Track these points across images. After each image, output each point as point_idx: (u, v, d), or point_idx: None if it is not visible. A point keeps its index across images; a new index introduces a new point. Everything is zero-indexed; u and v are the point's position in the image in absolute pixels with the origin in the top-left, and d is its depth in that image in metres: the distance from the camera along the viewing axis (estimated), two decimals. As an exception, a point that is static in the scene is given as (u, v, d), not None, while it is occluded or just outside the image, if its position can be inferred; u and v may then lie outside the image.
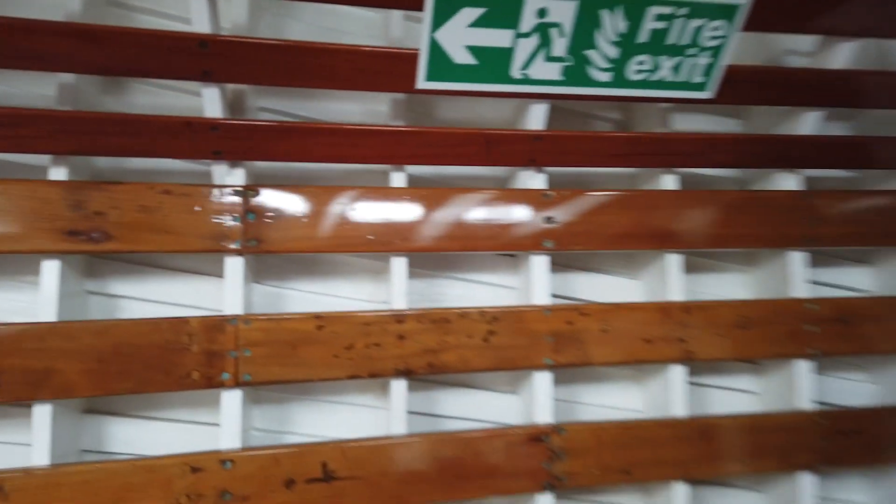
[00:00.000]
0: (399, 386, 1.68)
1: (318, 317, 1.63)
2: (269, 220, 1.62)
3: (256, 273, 1.74)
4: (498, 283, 1.90)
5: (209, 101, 1.52)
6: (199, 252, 1.59)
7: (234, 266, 1.61)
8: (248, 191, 1.62)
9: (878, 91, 1.91)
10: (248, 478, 1.55)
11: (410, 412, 1.70)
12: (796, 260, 1.95)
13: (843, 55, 1.80)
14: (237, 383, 1.56)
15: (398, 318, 1.67)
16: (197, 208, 1.57)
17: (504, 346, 1.72)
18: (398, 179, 1.76)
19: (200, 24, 1.42)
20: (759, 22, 1.63)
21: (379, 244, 1.69)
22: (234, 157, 1.60)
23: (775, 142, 1.95)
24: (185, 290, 1.73)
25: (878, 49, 2.06)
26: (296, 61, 1.50)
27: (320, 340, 1.62)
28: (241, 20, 1.71)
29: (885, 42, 2.05)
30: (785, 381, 1.94)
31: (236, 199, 1.60)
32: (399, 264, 1.71)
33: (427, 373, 1.68)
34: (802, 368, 1.91)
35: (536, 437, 1.73)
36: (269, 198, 1.62)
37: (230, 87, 1.66)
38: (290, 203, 1.63)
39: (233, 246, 1.59)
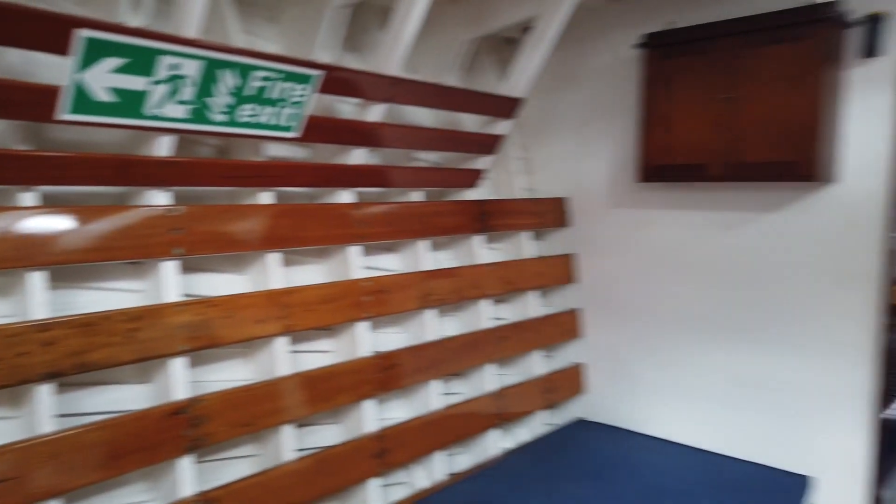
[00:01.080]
0: (45, 389, 1.83)
1: (-43, 334, 1.66)
2: None
3: None
4: (131, 288, 2.17)
5: None
6: None
7: None
8: None
9: (391, 136, 2.85)
10: None
11: (56, 416, 1.86)
12: (353, 252, 2.74)
13: (375, 113, 2.66)
14: None
15: (43, 327, 1.82)
16: None
17: (147, 339, 2.03)
18: (28, 199, 1.87)
19: None
20: (328, 88, 2.33)
21: (16, 260, 1.80)
22: None
23: (337, 169, 2.71)
24: None
25: (392, 112, 3.00)
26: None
27: (-37, 357, 1.66)
28: None
29: (400, 107, 3.00)
30: (351, 339, 2.73)
31: None
32: (37, 278, 1.85)
33: (77, 372, 1.87)
34: (362, 328, 2.72)
35: (177, 410, 2.10)
36: None
37: None
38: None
39: None
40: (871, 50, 2.59)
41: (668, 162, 3.04)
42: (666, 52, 2.99)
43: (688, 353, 3.30)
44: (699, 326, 3.25)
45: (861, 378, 2.78)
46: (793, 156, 2.65)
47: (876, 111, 2.65)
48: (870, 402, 2.78)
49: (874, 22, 2.56)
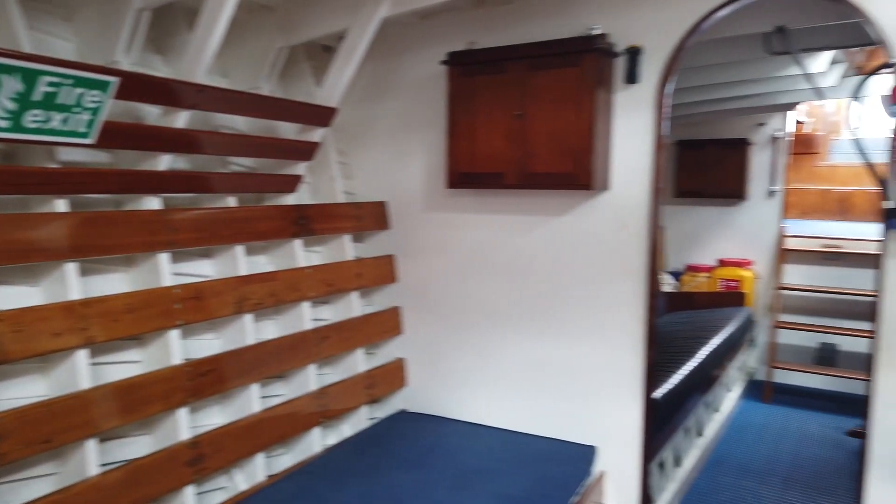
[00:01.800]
0: None
1: None
2: None
3: None
4: None
5: None
6: None
7: None
8: None
9: (201, 142, 2.86)
10: None
11: None
12: (162, 259, 2.71)
13: (181, 119, 2.65)
14: None
15: None
16: None
17: (-82, 359, 1.89)
18: None
19: None
20: (127, 94, 2.30)
21: None
22: None
23: (142, 175, 2.66)
24: None
25: (205, 117, 3.00)
26: None
27: None
28: None
29: (210, 114, 3.01)
30: (162, 347, 2.69)
31: None
32: None
33: None
34: (173, 336, 2.70)
35: (-42, 433, 1.98)
36: None
37: None
38: None
39: None
40: (631, 77, 3.02)
41: (472, 170, 3.32)
42: (467, 69, 3.27)
43: (495, 343, 3.62)
44: (504, 319, 3.58)
45: (634, 360, 3.24)
46: (572, 167, 3.03)
47: (638, 130, 3.10)
48: (642, 382, 3.24)
49: (633, 54, 2.99)
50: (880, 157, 2.73)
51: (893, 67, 2.47)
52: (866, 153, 2.70)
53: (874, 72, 2.66)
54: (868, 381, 2.73)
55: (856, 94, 2.72)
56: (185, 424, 2.69)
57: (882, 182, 2.62)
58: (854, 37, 3.14)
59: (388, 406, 3.94)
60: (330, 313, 3.66)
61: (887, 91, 2.47)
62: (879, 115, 4.74)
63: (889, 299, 2.63)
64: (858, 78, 3.75)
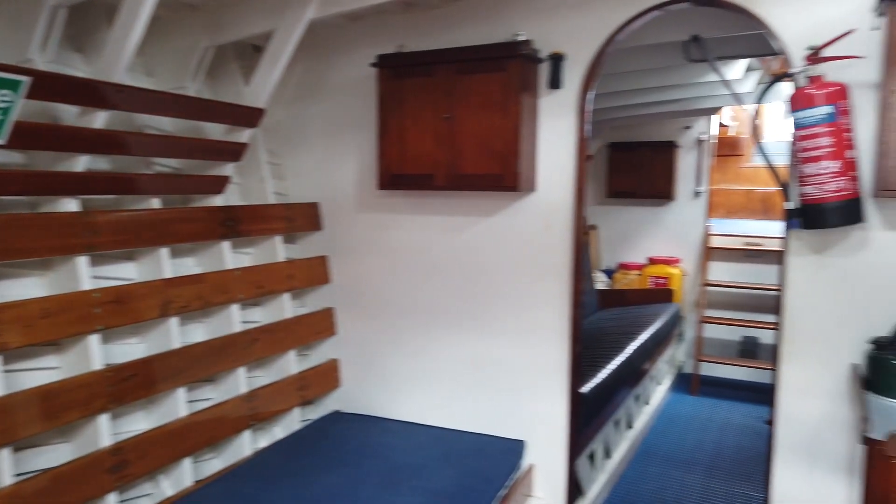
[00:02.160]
0: None
1: None
2: None
3: None
4: None
5: None
6: None
7: None
8: None
9: (122, 143, 2.80)
10: None
11: None
12: (81, 263, 2.64)
13: (100, 119, 2.60)
14: None
15: None
16: None
17: None
18: None
19: None
20: (40, 94, 2.24)
21: None
22: None
23: (58, 176, 2.59)
24: None
25: (128, 117, 2.94)
26: None
27: None
28: None
29: (133, 114, 2.95)
30: (81, 352, 2.63)
31: None
32: None
33: None
34: (92, 341, 2.63)
35: None
36: None
37: None
38: None
39: None
40: (555, 83, 3.12)
41: (402, 172, 3.36)
42: (397, 72, 3.30)
43: (427, 342, 3.67)
44: (436, 318, 3.63)
45: (560, 356, 3.34)
46: (499, 169, 3.10)
47: (562, 133, 3.20)
48: (567, 377, 3.35)
49: (556, 60, 3.09)
50: (783, 160, 2.91)
51: (792, 77, 2.63)
52: (769, 156, 2.86)
53: (776, 80, 2.82)
54: (774, 371, 2.90)
55: (759, 101, 2.88)
56: (106, 431, 2.63)
57: (783, 184, 2.79)
58: (764, 46, 3.32)
59: (321, 407, 3.94)
60: (261, 315, 3.64)
61: (786, 99, 2.62)
62: (784, 119, 5.01)
63: (790, 294, 2.81)
64: (761, 86, 3.96)
